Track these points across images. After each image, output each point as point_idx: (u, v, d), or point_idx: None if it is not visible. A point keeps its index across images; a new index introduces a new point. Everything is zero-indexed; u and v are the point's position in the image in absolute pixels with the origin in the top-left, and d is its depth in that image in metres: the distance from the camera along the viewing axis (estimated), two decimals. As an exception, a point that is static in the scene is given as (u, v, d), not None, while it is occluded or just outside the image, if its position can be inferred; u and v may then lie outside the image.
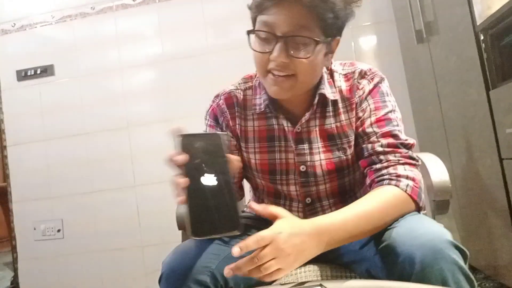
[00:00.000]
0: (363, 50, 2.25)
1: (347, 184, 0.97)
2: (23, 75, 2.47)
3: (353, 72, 0.94)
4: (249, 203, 0.71)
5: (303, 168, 0.94)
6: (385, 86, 0.93)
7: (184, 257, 0.85)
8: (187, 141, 0.67)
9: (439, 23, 1.67)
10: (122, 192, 2.36)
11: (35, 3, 2.51)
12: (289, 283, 0.77)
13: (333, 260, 0.96)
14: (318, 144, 0.93)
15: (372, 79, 0.93)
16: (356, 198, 0.87)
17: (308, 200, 0.97)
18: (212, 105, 1.01)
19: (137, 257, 2.29)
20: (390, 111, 0.90)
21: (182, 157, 0.67)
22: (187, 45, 2.39)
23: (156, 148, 2.34)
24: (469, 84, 1.47)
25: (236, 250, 0.65)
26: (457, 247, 0.71)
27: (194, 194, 0.65)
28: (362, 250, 0.90)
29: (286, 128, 0.94)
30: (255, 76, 1.02)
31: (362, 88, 0.92)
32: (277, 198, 1.00)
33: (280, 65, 0.82)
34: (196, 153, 0.67)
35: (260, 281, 0.87)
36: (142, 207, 2.34)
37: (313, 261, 0.96)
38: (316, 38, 0.81)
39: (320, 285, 0.69)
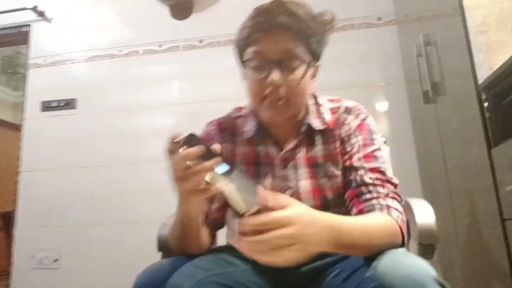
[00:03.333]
0: (374, 111, 2.28)
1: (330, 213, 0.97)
2: (47, 106, 2.60)
3: (339, 108, 1.00)
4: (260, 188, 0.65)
5: (288, 193, 0.94)
6: (372, 123, 0.98)
7: (156, 275, 0.84)
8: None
9: (445, 83, 1.70)
10: (122, 228, 2.36)
11: (68, 43, 2.71)
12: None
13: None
14: (304, 170, 0.96)
15: (357, 115, 0.98)
16: None
17: None
18: (203, 131, 1.07)
19: (128, 297, 2.23)
20: (377, 149, 0.93)
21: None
22: (203, 92, 2.49)
23: (160, 187, 2.36)
24: (471, 143, 1.46)
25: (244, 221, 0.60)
26: (440, 284, 0.68)
27: None
28: (344, 285, 0.86)
29: (273, 155, 0.98)
30: (247, 108, 1.07)
31: (348, 123, 0.97)
32: None
33: (275, 87, 0.88)
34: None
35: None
36: (139, 246, 2.31)
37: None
38: (305, 60, 0.90)
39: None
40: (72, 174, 2.48)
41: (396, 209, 0.83)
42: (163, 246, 0.97)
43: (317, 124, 0.97)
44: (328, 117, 0.99)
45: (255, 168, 0.98)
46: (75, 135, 2.55)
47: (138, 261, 2.26)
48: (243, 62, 0.95)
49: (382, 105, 2.30)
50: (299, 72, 0.90)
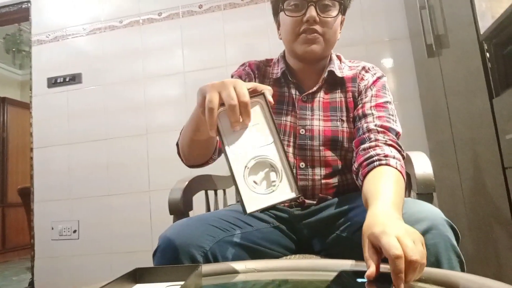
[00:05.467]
0: (379, 67, 2.25)
1: (339, 159, 1.03)
2: (53, 82, 2.64)
3: (357, 66, 1.11)
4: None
5: (302, 131, 1.04)
6: (385, 82, 1.08)
7: (180, 234, 0.86)
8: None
9: (449, 36, 1.68)
10: (137, 197, 2.43)
11: (69, 17, 2.70)
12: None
13: (323, 250, 0.97)
14: (320, 113, 1.05)
15: (374, 74, 1.08)
16: (346, 180, 1.03)
17: (302, 164, 1.03)
18: (238, 69, 1.16)
19: (147, 261, 2.33)
20: (388, 102, 1.03)
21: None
22: (207, 58, 2.49)
23: (171, 155, 2.41)
24: (474, 94, 1.47)
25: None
26: (451, 227, 0.72)
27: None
28: (354, 236, 0.89)
29: (294, 96, 1.07)
30: (275, 58, 1.17)
31: (366, 79, 1.07)
32: None
33: (311, 23, 0.99)
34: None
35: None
36: (154, 212, 2.40)
37: (301, 251, 0.98)
38: (337, 3, 1.01)
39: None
40: (85, 147, 2.55)
41: (394, 157, 0.87)
42: (175, 209, 1.02)
43: (338, 72, 1.07)
44: (347, 72, 1.10)
45: (278, 105, 1.07)
46: (83, 109, 2.59)
47: (153, 226, 2.37)
48: (282, 4, 1.03)
49: (387, 61, 2.28)
50: (333, 13, 1.01)
